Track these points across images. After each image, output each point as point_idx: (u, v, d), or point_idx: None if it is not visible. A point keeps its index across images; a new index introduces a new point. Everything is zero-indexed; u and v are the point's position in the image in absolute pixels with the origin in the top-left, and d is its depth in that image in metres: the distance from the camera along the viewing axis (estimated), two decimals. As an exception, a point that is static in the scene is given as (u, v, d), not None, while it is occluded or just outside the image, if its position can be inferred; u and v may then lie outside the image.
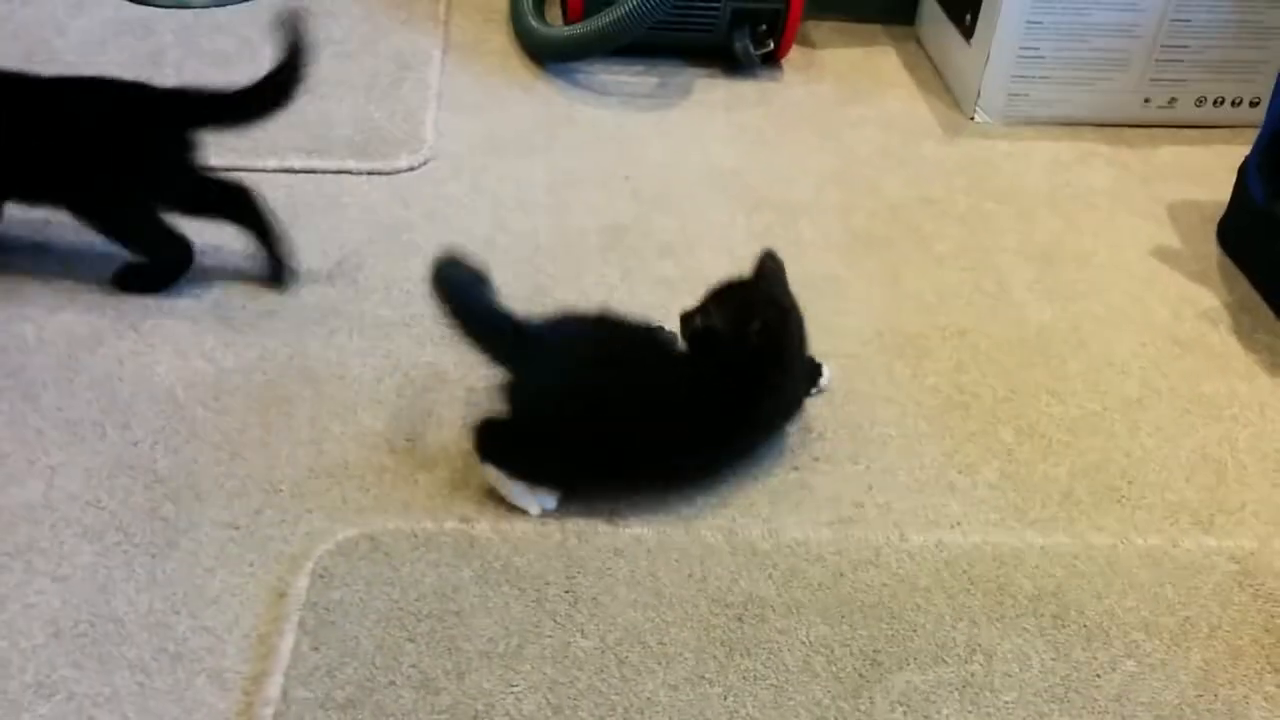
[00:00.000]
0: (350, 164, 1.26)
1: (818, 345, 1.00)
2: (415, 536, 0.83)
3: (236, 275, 1.08)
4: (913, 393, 1.02)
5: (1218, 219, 1.27)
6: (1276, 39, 1.41)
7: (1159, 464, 0.98)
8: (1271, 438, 1.01)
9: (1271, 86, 1.24)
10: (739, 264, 1.15)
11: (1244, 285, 1.20)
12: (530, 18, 1.51)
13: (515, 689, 0.75)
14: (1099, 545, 0.89)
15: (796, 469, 0.94)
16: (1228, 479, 0.97)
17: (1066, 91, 1.44)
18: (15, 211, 1.08)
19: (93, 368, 0.96)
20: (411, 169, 1.26)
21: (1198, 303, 1.17)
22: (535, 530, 0.85)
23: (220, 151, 1.23)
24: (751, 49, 1.50)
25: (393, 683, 0.74)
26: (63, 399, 0.92)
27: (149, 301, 1.04)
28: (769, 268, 0.95)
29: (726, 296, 0.93)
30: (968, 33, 1.46)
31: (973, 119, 1.45)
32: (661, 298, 1.11)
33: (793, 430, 0.96)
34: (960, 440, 0.98)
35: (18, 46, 1.42)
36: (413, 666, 0.75)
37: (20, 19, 1.48)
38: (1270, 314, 1.16)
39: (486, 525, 0.85)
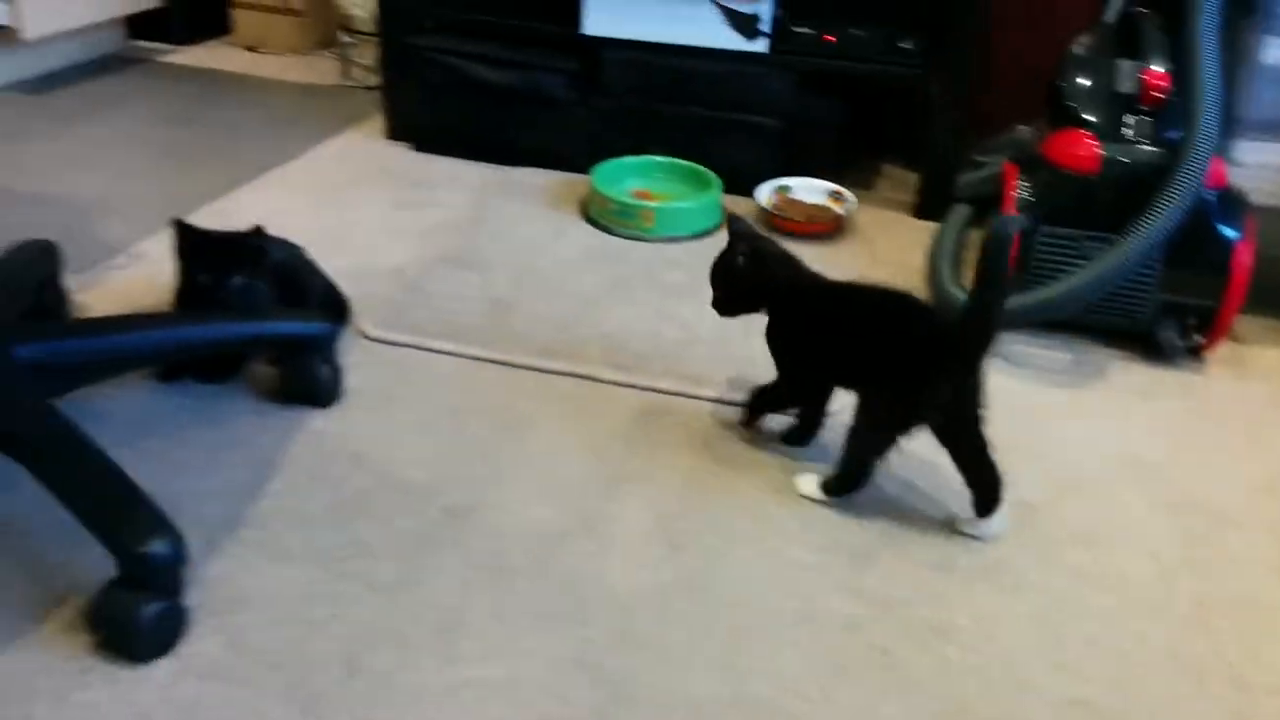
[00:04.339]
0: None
1: (1223, 690, 0.96)
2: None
3: (680, 495, 1.21)
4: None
5: None
6: None
7: None
8: None
9: None
10: (1162, 566, 1.14)
11: None
12: (950, 286, 1.60)
13: None
14: None
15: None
16: None
17: None
18: (525, 408, 1.28)
19: (558, 562, 1.10)
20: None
21: None
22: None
23: (652, 376, 1.41)
24: (1177, 340, 1.49)
25: None
26: (533, 588, 1.06)
27: (617, 510, 1.18)
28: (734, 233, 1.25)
29: (718, 277, 1.26)
30: None
31: None
32: (1077, 590, 1.11)
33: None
34: None
35: (515, 260, 1.70)
36: None
37: (517, 238, 1.78)
38: None
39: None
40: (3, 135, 2.14)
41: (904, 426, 1.13)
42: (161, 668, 0.95)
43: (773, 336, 1.24)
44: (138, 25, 2.76)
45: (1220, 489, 1.28)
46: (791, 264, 1.24)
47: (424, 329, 1.49)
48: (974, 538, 1.16)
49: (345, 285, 1.52)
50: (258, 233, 1.28)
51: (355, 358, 1.42)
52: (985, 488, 1.15)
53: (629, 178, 1.93)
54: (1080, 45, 1.65)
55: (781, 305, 1.22)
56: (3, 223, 1.73)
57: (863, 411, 1.16)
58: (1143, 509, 1.23)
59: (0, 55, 2.41)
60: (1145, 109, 1.48)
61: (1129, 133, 1.48)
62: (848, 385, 1.22)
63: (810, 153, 1.97)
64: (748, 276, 1.23)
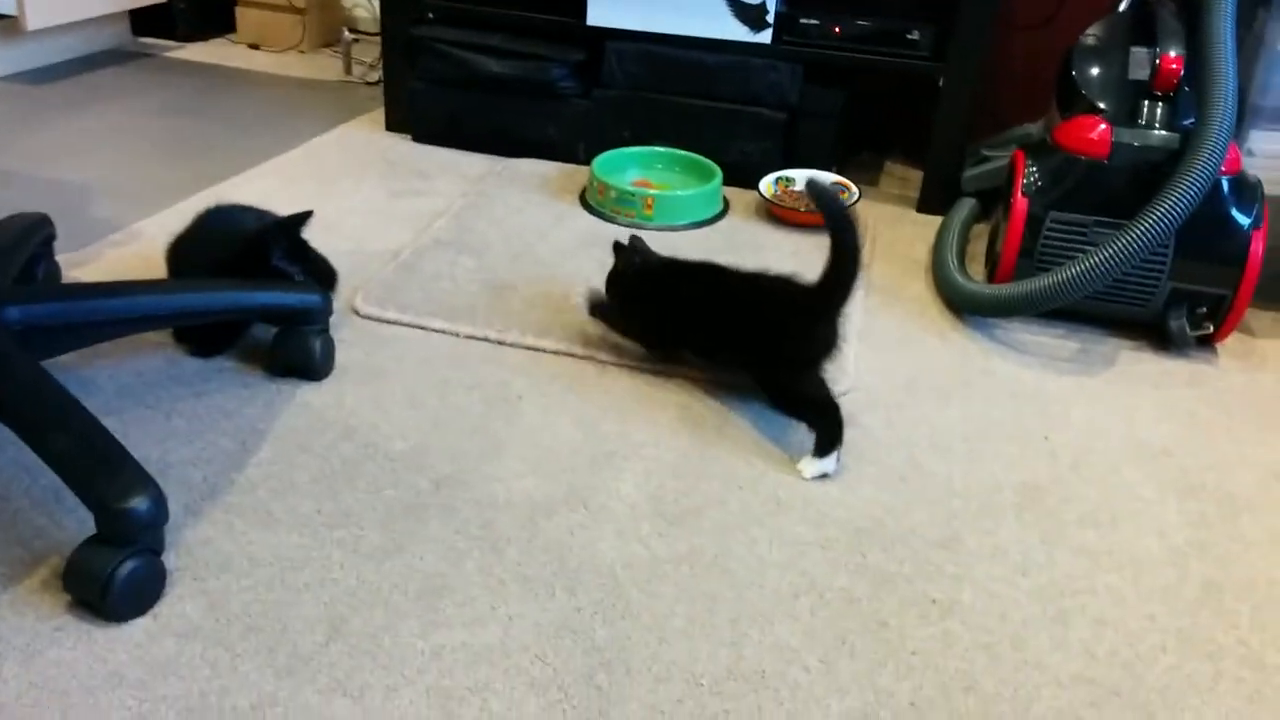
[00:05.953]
0: (778, 385, 1.35)
1: (1238, 670, 0.92)
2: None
3: (674, 472, 1.18)
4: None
5: None
6: None
7: None
8: None
9: None
10: (1171, 549, 1.11)
11: None
12: (955, 272, 1.58)
13: None
14: None
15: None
16: None
17: None
18: (491, 384, 1.26)
19: (548, 532, 1.07)
20: (834, 398, 1.33)
21: None
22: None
23: (648, 356, 1.38)
24: (1188, 329, 1.47)
25: None
26: (522, 556, 1.03)
27: (609, 484, 1.15)
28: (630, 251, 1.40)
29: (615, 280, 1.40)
30: None
31: None
32: (1083, 568, 1.08)
33: None
34: None
35: (512, 245, 1.67)
36: None
37: (515, 224, 1.76)
38: None
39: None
40: (3, 122, 2.13)
41: (802, 360, 1.23)
42: (137, 627, 0.92)
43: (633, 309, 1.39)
44: (142, 21, 2.76)
45: (1230, 475, 1.24)
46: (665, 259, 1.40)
47: (417, 308, 1.46)
48: (817, 476, 1.19)
49: (339, 266, 1.49)
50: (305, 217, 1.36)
51: (347, 335, 1.40)
52: (831, 427, 1.20)
53: (630, 167, 1.91)
54: (1092, 35, 1.63)
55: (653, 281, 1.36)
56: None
57: (760, 374, 1.27)
58: (1151, 492, 1.20)
59: (3, 45, 2.41)
60: (1160, 94, 1.45)
61: (1142, 119, 1.46)
62: (720, 351, 1.31)
63: (813, 144, 1.95)
64: (630, 269, 1.38)
